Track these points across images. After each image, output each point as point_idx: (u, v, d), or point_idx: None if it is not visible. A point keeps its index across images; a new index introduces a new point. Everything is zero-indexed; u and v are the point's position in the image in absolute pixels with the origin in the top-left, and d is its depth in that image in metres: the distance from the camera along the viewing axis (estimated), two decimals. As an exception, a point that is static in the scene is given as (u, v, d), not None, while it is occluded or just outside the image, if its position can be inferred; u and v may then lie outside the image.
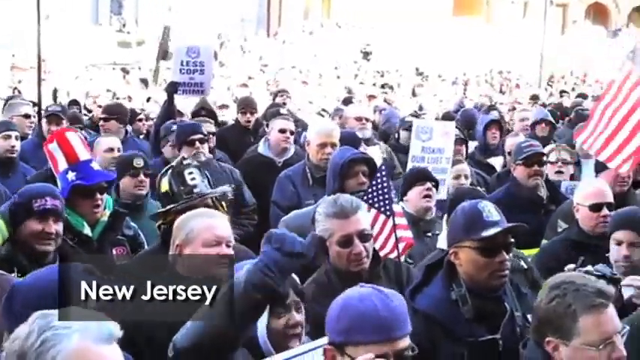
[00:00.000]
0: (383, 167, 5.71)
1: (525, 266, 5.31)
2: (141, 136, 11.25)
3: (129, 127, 10.85)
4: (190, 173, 5.45)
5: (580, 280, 3.42)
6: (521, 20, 45.61)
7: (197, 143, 7.65)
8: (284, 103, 12.53)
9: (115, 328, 2.48)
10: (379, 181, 5.52)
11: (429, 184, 6.57)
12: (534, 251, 6.05)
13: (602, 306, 3.30)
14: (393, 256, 5.29)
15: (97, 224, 5.59)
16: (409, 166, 7.75)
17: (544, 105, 18.07)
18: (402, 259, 5.48)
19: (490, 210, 4.21)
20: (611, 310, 3.33)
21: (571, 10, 50.03)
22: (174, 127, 8.14)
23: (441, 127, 8.05)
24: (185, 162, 5.57)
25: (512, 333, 4.08)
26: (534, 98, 19.50)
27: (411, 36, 38.69)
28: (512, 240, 4.25)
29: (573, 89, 26.69)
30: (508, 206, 6.45)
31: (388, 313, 3.06)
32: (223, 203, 5.51)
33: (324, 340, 3.22)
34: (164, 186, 5.45)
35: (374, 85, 23.29)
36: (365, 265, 4.64)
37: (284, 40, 40.40)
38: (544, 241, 6.38)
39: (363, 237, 4.63)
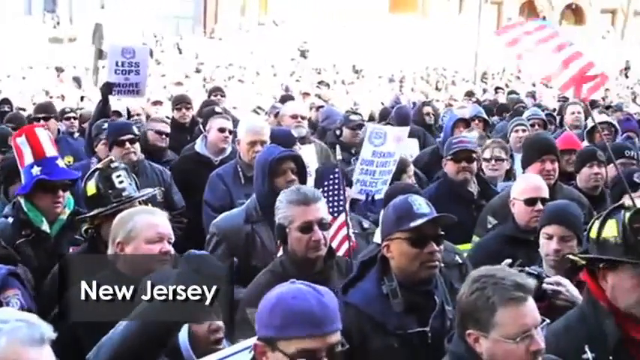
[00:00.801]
0: (337, 170, 5.79)
1: (460, 261, 5.39)
2: (76, 135, 11.10)
3: (62, 126, 10.73)
4: (118, 176, 5.38)
5: (500, 273, 3.46)
6: (457, 17, 46.02)
7: (127, 144, 7.57)
8: (217, 103, 12.43)
9: (46, 330, 2.46)
10: (332, 182, 5.65)
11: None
12: (467, 246, 6.10)
13: (521, 299, 3.34)
14: (340, 253, 5.39)
15: (56, 222, 5.58)
16: (357, 168, 7.74)
17: (479, 102, 18.28)
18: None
19: (420, 203, 4.31)
20: (530, 304, 3.38)
21: (506, 8, 50.74)
22: (106, 125, 8.04)
23: (395, 132, 8.06)
24: (113, 165, 5.48)
25: (441, 326, 4.16)
26: (469, 95, 19.68)
27: (348, 33, 38.82)
28: (442, 232, 4.34)
29: (507, 85, 27.01)
30: (439, 201, 6.53)
31: (320, 308, 3.08)
32: (149, 205, 5.50)
33: (253, 340, 3.22)
34: (91, 189, 5.34)
35: (319, 85, 23.20)
36: (322, 252, 4.74)
37: (220, 38, 40.21)
38: (475, 238, 6.43)
39: (322, 225, 4.74)
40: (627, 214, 3.87)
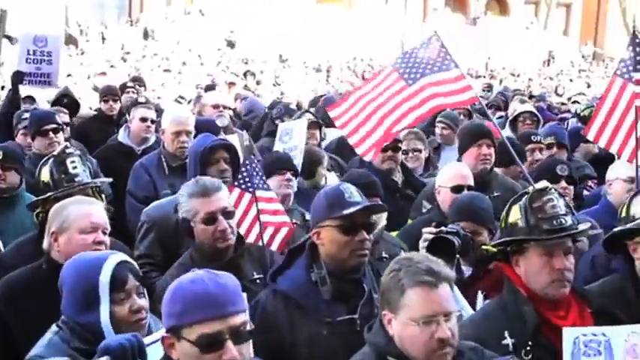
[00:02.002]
0: (248, 160, 5.82)
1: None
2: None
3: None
4: (72, 162, 5.46)
5: (418, 258, 3.52)
6: (383, 7, 46.22)
7: (51, 133, 7.45)
8: (135, 92, 12.28)
9: None
10: (248, 167, 5.67)
11: (288, 174, 6.58)
12: (393, 235, 6.12)
13: (431, 284, 3.38)
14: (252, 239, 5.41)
15: None
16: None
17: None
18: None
19: (352, 191, 4.33)
20: (443, 292, 3.41)
21: (431, -2, 51.07)
22: (26, 114, 7.89)
23: (298, 125, 8.08)
24: (67, 150, 5.54)
25: (370, 314, 4.15)
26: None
27: (275, 23, 38.70)
28: (373, 222, 4.39)
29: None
30: (364, 190, 6.56)
31: (218, 289, 3.06)
32: (103, 195, 5.51)
33: (162, 332, 3.20)
34: (45, 175, 5.42)
35: (245, 75, 23.09)
36: (231, 242, 4.77)
37: (146, 28, 39.75)
38: (409, 222, 6.47)
39: (227, 214, 4.77)
40: (528, 197, 4.05)
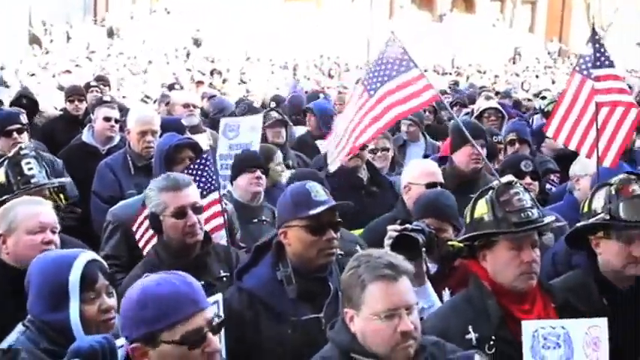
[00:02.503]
0: (206, 155, 5.73)
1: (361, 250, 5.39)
2: None
3: None
4: (28, 163, 5.43)
5: (377, 253, 3.54)
6: (350, 5, 46.25)
7: (15, 134, 7.39)
8: (100, 92, 12.20)
9: None
10: (203, 166, 5.59)
11: (258, 172, 6.58)
12: (359, 232, 6.13)
13: (390, 277, 3.39)
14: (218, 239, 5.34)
15: None
16: (217, 164, 7.70)
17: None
18: None
19: (318, 190, 4.34)
20: (404, 285, 3.42)
21: (398, -4, 51.16)
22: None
23: (248, 123, 8.05)
24: (22, 152, 5.52)
25: (335, 313, 4.14)
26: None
27: (242, 22, 38.62)
28: (340, 220, 4.36)
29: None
30: (330, 187, 6.56)
31: (188, 287, 3.10)
32: (61, 195, 5.46)
33: (121, 341, 3.17)
34: (0, 177, 5.37)
35: (211, 73, 23.01)
36: (199, 237, 4.77)
37: (111, 27, 39.52)
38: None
39: (196, 209, 4.79)
40: (494, 191, 4.09)
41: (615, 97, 6.50)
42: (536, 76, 33.64)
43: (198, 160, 5.64)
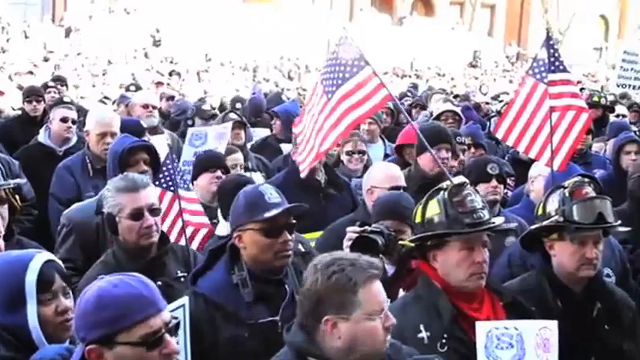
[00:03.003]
0: (168, 157, 5.78)
1: (303, 250, 5.40)
2: None
3: None
4: None
5: (350, 256, 3.52)
6: (310, 7, 46.29)
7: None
8: (57, 92, 12.10)
9: None
10: (169, 167, 5.64)
11: (219, 172, 6.60)
12: (316, 234, 6.13)
13: (376, 276, 3.41)
14: (182, 242, 5.38)
15: None
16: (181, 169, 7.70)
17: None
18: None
19: (271, 192, 4.34)
20: (380, 282, 3.44)
21: (357, -2, 51.29)
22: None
23: (217, 131, 8.05)
24: None
25: (292, 315, 4.11)
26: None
27: (201, 22, 38.46)
28: (294, 221, 4.37)
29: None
30: (287, 189, 6.54)
31: (146, 288, 3.10)
32: (17, 196, 5.40)
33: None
34: None
35: (170, 74, 22.92)
36: (155, 239, 4.74)
37: (70, 26, 39.16)
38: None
39: (153, 211, 4.74)
40: (446, 192, 4.11)
41: (568, 101, 6.58)
42: (494, 80, 33.91)
43: (166, 162, 5.68)
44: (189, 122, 10.45)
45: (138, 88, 14.56)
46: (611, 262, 5.76)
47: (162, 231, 4.90)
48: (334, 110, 5.94)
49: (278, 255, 4.27)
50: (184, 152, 7.78)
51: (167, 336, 3.07)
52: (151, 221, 4.69)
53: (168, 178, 5.63)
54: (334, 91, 5.98)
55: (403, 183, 6.05)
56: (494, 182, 6.38)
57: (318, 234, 6.14)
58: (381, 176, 6.09)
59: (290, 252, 4.33)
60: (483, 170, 6.44)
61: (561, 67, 6.62)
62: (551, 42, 6.73)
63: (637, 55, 12.17)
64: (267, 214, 4.21)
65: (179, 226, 5.56)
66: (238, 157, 7.76)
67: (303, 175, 6.43)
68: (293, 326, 3.53)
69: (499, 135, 7.04)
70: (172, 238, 5.40)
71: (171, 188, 5.61)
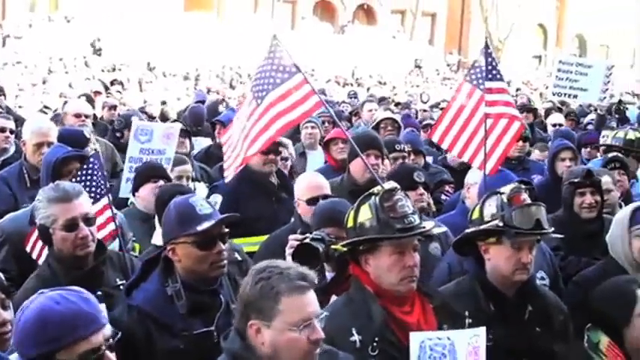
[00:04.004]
0: (93, 159, 5.62)
1: (239, 258, 5.43)
2: None
3: None
4: None
5: (284, 265, 3.55)
6: (252, 16, 46.29)
7: None
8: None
9: None
10: (89, 171, 5.49)
11: (162, 182, 6.58)
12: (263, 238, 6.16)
13: (304, 288, 3.42)
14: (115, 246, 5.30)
15: None
16: (126, 166, 7.67)
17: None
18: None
19: (202, 204, 4.31)
20: (312, 295, 3.47)
21: (300, 7, 51.44)
22: None
23: (163, 129, 8.01)
24: None
25: (227, 325, 4.12)
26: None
27: (142, 31, 38.26)
28: (227, 230, 4.35)
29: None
30: (242, 192, 6.55)
31: (87, 304, 3.07)
32: None
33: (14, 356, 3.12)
34: None
35: (112, 83, 22.71)
36: (91, 249, 4.62)
37: (9, 35, 38.69)
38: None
39: (88, 220, 4.62)
40: (378, 197, 4.15)
41: (502, 109, 6.70)
42: (434, 88, 34.22)
43: (85, 166, 5.53)
44: (118, 135, 10.29)
45: (88, 98, 14.40)
46: (544, 265, 5.89)
47: (98, 239, 4.79)
48: (263, 115, 5.93)
49: (213, 266, 4.25)
50: (130, 148, 7.73)
51: (107, 353, 3.05)
52: (86, 231, 4.57)
53: (99, 184, 5.47)
54: (264, 97, 5.97)
55: (324, 192, 6.01)
56: (420, 189, 6.40)
57: (264, 238, 6.15)
58: (302, 189, 6.09)
59: (225, 262, 4.30)
60: (410, 178, 6.45)
61: (498, 76, 6.74)
62: (489, 50, 6.84)
63: (572, 65, 12.42)
64: (200, 228, 4.17)
65: (111, 228, 5.45)
66: (187, 168, 7.68)
67: (227, 180, 6.43)
68: (231, 333, 3.56)
69: (435, 138, 7.12)
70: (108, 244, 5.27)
71: (102, 193, 5.47)
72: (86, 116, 9.42)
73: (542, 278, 5.77)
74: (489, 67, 6.72)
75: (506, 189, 4.62)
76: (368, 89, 29.76)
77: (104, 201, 5.41)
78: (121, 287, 4.66)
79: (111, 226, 5.40)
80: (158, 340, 4.15)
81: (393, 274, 4.08)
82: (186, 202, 4.31)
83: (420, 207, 6.25)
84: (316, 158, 9.55)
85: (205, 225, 4.19)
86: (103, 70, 30.94)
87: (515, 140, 7.27)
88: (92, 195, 5.34)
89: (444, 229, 5.46)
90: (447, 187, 8.36)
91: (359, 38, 47.50)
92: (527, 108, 15.22)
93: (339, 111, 15.37)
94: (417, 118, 15.78)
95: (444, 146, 7.13)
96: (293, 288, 3.40)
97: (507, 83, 7.19)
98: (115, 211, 6.09)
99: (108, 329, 3.09)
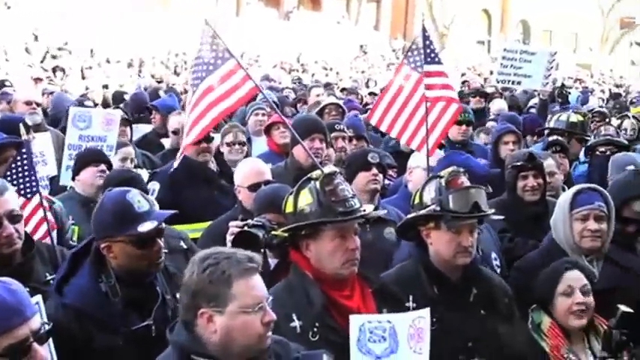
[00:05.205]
0: (24, 148, 5.51)
1: (185, 246, 5.36)
2: None
3: None
4: None
5: (228, 250, 3.53)
6: (196, 2, 45.93)
7: None
8: None
9: None
10: (20, 163, 5.37)
11: (103, 166, 6.55)
12: (207, 224, 6.12)
13: (254, 270, 3.40)
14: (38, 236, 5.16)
15: None
16: (65, 154, 7.58)
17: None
18: None
19: (139, 200, 4.22)
20: (260, 277, 3.44)
21: (243, -8, 51.10)
22: None
23: (102, 115, 7.92)
24: None
25: (164, 316, 4.11)
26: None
27: (85, 18, 37.78)
28: (163, 226, 4.29)
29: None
30: (180, 181, 6.52)
31: (13, 296, 2.96)
32: None
33: None
34: None
35: (53, 70, 22.39)
36: (17, 247, 4.44)
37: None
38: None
39: (13, 218, 4.41)
40: (318, 181, 4.14)
41: (439, 92, 6.76)
42: (380, 73, 34.29)
43: (18, 158, 5.41)
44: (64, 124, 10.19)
45: (10, 84, 14.13)
46: (494, 246, 5.93)
47: (26, 233, 4.60)
48: (199, 102, 5.90)
49: (152, 263, 4.20)
50: (68, 134, 7.64)
51: (35, 345, 2.96)
52: (11, 230, 4.36)
53: (26, 184, 5.35)
54: (198, 84, 5.93)
55: (265, 177, 6.00)
56: (374, 170, 6.38)
57: (205, 224, 6.13)
58: (242, 175, 6.07)
59: (162, 257, 4.25)
60: (364, 159, 6.47)
61: (436, 59, 6.79)
62: (426, 34, 6.88)
63: (516, 52, 12.54)
64: (141, 229, 4.09)
65: (45, 224, 5.34)
66: (130, 150, 7.70)
67: (175, 164, 6.44)
68: (177, 325, 3.49)
69: (373, 121, 7.17)
70: (37, 237, 5.16)
71: (28, 195, 5.35)
72: (37, 104, 9.32)
73: (495, 259, 5.82)
74: (427, 51, 6.76)
75: (445, 172, 4.63)
76: (313, 75, 29.72)
77: (36, 200, 5.30)
78: (51, 282, 4.49)
79: (44, 228, 5.30)
80: (96, 339, 4.06)
81: (336, 258, 4.08)
82: (122, 198, 4.20)
83: (374, 188, 6.27)
84: (261, 145, 9.53)
85: (147, 226, 4.09)
86: (44, 58, 30.44)
87: (453, 122, 7.35)
88: (23, 186, 5.25)
89: (384, 212, 5.46)
90: (389, 172, 8.37)
91: (304, 24, 47.40)
92: (480, 93, 15.30)
93: (284, 97, 15.30)
94: (361, 103, 15.79)
95: (383, 128, 7.17)
96: (244, 270, 3.36)
97: (455, 68, 7.27)
98: (53, 199, 6.01)
99: (36, 322, 2.99)
